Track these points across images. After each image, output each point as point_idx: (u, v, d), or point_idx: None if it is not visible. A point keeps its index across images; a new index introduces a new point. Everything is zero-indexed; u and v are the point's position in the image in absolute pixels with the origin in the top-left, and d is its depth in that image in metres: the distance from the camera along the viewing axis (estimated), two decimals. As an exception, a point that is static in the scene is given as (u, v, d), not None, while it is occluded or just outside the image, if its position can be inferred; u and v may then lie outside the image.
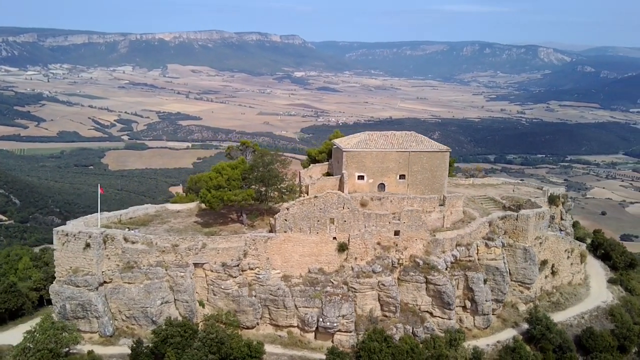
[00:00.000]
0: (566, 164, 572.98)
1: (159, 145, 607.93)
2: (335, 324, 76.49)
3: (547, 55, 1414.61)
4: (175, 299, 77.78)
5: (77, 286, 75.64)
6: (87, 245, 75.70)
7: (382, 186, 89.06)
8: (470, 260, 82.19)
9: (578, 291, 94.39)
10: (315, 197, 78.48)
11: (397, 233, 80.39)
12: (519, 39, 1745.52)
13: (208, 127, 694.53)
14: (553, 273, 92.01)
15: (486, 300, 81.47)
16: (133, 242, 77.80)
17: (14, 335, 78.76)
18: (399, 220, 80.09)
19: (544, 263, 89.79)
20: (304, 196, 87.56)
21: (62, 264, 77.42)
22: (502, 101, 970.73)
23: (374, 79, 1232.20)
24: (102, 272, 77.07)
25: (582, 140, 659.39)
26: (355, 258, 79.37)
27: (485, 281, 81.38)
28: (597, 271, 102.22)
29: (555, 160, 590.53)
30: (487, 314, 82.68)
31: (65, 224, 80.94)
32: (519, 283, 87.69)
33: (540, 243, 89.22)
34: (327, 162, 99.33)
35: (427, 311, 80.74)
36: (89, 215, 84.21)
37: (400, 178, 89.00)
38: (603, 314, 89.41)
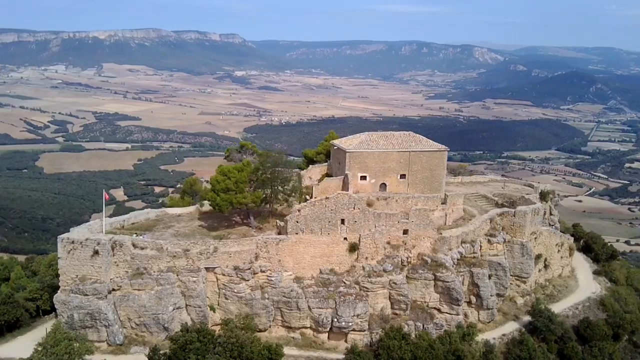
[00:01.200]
0: (503, 160, 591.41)
1: (97, 146, 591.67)
2: (350, 324, 77.38)
3: (481, 54, 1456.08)
4: (187, 305, 76.90)
5: (86, 295, 73.75)
6: (96, 252, 73.88)
7: (383, 186, 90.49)
8: (474, 257, 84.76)
9: (568, 283, 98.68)
10: (327, 198, 79.12)
11: (405, 232, 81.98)
12: (455, 39, 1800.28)
13: (148, 128, 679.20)
14: (546, 266, 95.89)
15: (491, 295, 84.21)
16: (142, 248, 76.44)
17: (14, 348, 76.56)
18: (407, 219, 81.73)
19: (538, 257, 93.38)
20: (307, 198, 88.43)
21: (67, 272, 75.25)
22: (440, 99, 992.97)
23: (315, 78, 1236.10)
24: (110, 279, 75.41)
25: (517, 137, 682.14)
26: (366, 258, 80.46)
27: (490, 277, 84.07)
28: (581, 263, 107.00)
29: (493, 156, 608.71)
30: (492, 309, 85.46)
31: (69, 232, 78.64)
32: (516, 277, 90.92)
33: (535, 238, 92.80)
34: (325, 163, 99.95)
35: (435, 308, 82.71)
36: (92, 222, 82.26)
37: (401, 178, 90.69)
38: (594, 305, 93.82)
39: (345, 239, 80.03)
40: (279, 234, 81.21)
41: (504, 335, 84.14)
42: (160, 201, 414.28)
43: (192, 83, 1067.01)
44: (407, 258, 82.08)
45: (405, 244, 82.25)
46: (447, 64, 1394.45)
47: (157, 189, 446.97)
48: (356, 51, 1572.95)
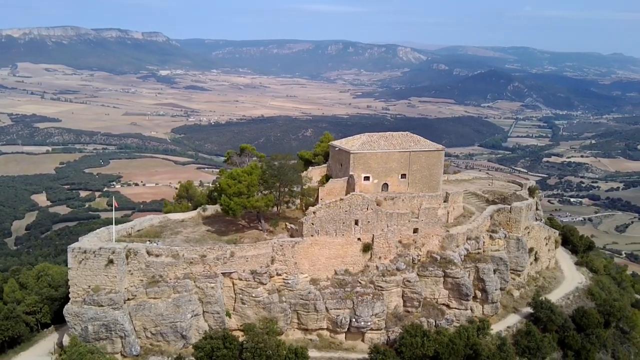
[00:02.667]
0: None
1: (14, 150, 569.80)
2: (369, 323, 78.53)
3: (405, 54, 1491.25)
4: (204, 311, 75.74)
5: (101, 306, 71.31)
6: (110, 261, 71.47)
7: (385, 186, 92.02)
8: (478, 253, 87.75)
9: (555, 275, 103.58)
10: (341, 199, 79.87)
11: (415, 231, 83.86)
12: (380, 38, 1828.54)
13: (69, 130, 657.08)
14: (536, 259, 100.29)
15: (495, 289, 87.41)
16: (157, 255, 74.72)
17: (18, 364, 73.08)
18: (417, 218, 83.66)
19: (530, 251, 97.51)
20: (309, 199, 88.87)
21: (79, 283, 72.45)
22: (367, 98, 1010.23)
23: (242, 77, 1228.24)
24: (125, 288, 73.25)
25: (442, 134, 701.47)
26: (379, 257, 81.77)
27: (495, 271, 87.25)
28: (562, 255, 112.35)
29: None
30: (496, 302, 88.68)
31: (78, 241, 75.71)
32: (512, 271, 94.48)
33: (528, 232, 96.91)
34: (324, 165, 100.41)
35: (444, 304, 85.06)
36: (98, 230, 79.21)
37: (401, 177, 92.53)
38: (583, 294, 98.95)
39: (358, 239, 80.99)
40: (291, 236, 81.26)
41: (508, 327, 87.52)
42: (86, 205, 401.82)
43: (115, 83, 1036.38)
44: (418, 256, 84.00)
45: (415, 242, 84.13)
46: (373, 63, 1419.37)
47: (83, 193, 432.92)
48: (283, 50, 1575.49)
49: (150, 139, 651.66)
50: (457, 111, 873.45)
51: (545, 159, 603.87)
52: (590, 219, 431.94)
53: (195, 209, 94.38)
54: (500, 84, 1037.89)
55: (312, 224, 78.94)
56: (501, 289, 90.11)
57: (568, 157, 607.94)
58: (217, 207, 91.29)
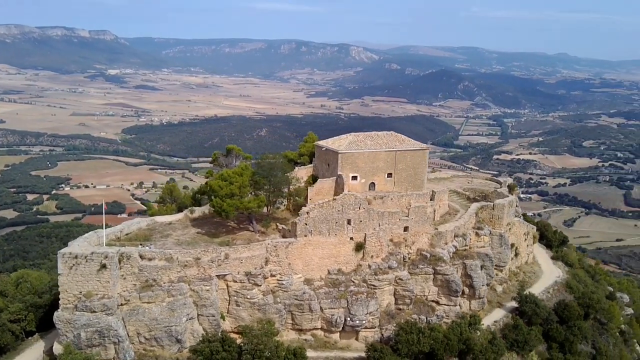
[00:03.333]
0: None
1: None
2: (363, 322, 79.21)
3: (358, 53, 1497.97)
4: (199, 314, 74.83)
5: (94, 312, 69.59)
6: (103, 266, 69.88)
7: (372, 185, 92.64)
8: (465, 250, 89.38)
9: (534, 269, 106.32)
10: (334, 199, 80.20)
11: (406, 229, 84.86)
12: (332, 38, 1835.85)
13: (14, 131, 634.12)
14: (516, 255, 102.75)
15: (482, 285, 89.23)
16: (150, 259, 73.40)
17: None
18: (407, 216, 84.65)
19: (511, 246, 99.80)
20: (297, 199, 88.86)
21: (69, 289, 70.56)
22: (321, 97, 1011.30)
23: (194, 76, 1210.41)
24: (118, 293, 71.76)
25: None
26: (372, 256, 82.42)
27: (482, 267, 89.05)
28: (538, 250, 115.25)
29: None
30: (483, 297, 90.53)
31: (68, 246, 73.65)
32: (495, 266, 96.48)
33: (510, 229, 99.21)
34: (310, 165, 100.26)
35: (433, 300, 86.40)
36: (87, 235, 77.20)
37: (388, 177, 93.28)
38: (562, 288, 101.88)
39: (351, 238, 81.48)
40: (283, 237, 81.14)
41: (495, 322, 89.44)
42: (34, 209, 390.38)
43: (61, 82, 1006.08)
44: (408, 254, 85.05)
45: (406, 240, 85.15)
46: (326, 63, 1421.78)
47: (30, 196, 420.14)
48: (235, 49, 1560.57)
49: (100, 140, 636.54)
50: (409, 110, 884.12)
51: (495, 157, 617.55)
52: (539, 214, 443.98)
53: (180, 211, 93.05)
54: (451, 83, 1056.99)
55: (306, 224, 79.02)
56: (487, 284, 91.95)
57: (517, 155, 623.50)
58: (204, 209, 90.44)
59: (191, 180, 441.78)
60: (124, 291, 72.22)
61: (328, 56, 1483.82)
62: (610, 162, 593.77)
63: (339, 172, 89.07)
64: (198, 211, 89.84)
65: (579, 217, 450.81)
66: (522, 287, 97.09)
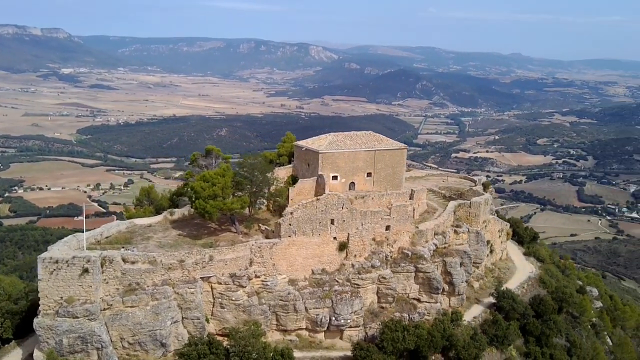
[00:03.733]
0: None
1: None
2: (348, 321, 79.54)
3: (317, 53, 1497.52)
4: (183, 317, 73.92)
5: (76, 317, 67.98)
6: (85, 270, 68.35)
7: (352, 185, 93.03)
8: (445, 247, 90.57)
9: (508, 265, 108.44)
10: (317, 199, 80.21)
11: (387, 228, 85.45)
12: (291, 37, 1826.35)
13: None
14: (491, 251, 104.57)
15: (462, 282, 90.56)
16: (133, 262, 72.18)
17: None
18: (389, 215, 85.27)
19: (487, 243, 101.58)
20: (278, 200, 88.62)
21: (50, 295, 68.70)
22: (281, 97, 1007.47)
23: (151, 75, 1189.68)
24: (100, 298, 70.34)
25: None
26: (355, 255, 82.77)
27: (461, 264, 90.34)
28: (510, 247, 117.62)
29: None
30: (462, 294, 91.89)
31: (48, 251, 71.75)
32: (472, 263, 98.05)
33: (485, 226, 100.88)
34: (290, 165, 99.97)
35: (415, 298, 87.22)
36: (67, 239, 75.28)
37: (367, 176, 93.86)
38: (535, 283, 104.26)
39: (334, 238, 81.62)
40: (266, 237, 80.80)
41: (474, 317, 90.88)
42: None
43: (12, 81, 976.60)
44: (390, 253, 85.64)
45: (388, 239, 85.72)
46: (285, 62, 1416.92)
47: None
48: (193, 48, 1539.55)
49: (54, 141, 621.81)
50: (369, 109, 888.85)
51: (453, 155, 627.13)
52: (497, 211, 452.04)
53: (157, 213, 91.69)
54: (410, 82, 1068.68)
55: (290, 224, 78.80)
56: (465, 281, 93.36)
57: (475, 153, 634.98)
58: (183, 211, 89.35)
59: (150, 181, 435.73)
60: (107, 295, 70.74)
61: (288, 55, 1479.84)
62: (563, 160, 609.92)
63: (319, 172, 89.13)
64: (178, 213, 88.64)
65: (535, 213, 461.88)
66: (500, 283, 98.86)
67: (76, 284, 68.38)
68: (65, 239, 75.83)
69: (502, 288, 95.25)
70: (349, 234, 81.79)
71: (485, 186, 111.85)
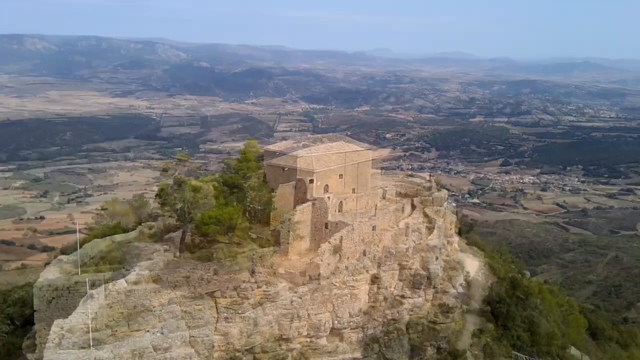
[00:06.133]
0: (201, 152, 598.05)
1: None
2: (351, 323, 79.86)
3: (164, 51, 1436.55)
4: (191, 336, 70.26)
5: (82, 347, 62.46)
6: (90, 296, 63.05)
7: (327, 187, 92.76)
8: (419, 243, 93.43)
9: (459, 255, 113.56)
10: (314, 204, 79.67)
11: (374, 228, 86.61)
12: (135, 34, 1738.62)
13: None
14: (448, 243, 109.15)
15: (437, 275, 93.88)
16: (136, 283, 67.43)
17: None
18: (374, 215, 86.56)
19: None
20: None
21: (49, 325, 62.58)
22: (129, 97, 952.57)
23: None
24: (105, 324, 65.04)
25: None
26: (348, 257, 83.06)
27: (437, 259, 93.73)
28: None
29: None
30: (437, 287, 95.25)
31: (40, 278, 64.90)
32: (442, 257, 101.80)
33: (444, 219, 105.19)
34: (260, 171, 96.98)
35: (399, 295, 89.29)
36: (55, 261, 68.53)
37: (339, 178, 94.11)
38: (488, 270, 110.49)
39: (328, 242, 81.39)
40: (261, 246, 78.79)
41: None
42: None
43: None
44: (376, 252, 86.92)
45: (374, 239, 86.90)
46: (131, 61, 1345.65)
47: None
48: (25, 46, 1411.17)
49: None
50: (223, 108, 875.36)
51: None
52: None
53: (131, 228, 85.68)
54: (262, 81, 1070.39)
55: (288, 230, 77.65)
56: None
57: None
58: (159, 224, 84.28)
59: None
60: (111, 321, 65.46)
61: (132, 54, 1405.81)
62: (410, 152, 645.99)
63: (298, 177, 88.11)
64: (155, 227, 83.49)
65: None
66: (468, 273, 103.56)
67: (79, 311, 62.60)
68: (52, 263, 69.08)
69: (469, 278, 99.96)
70: (342, 236, 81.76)
71: (437, 183, 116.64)
